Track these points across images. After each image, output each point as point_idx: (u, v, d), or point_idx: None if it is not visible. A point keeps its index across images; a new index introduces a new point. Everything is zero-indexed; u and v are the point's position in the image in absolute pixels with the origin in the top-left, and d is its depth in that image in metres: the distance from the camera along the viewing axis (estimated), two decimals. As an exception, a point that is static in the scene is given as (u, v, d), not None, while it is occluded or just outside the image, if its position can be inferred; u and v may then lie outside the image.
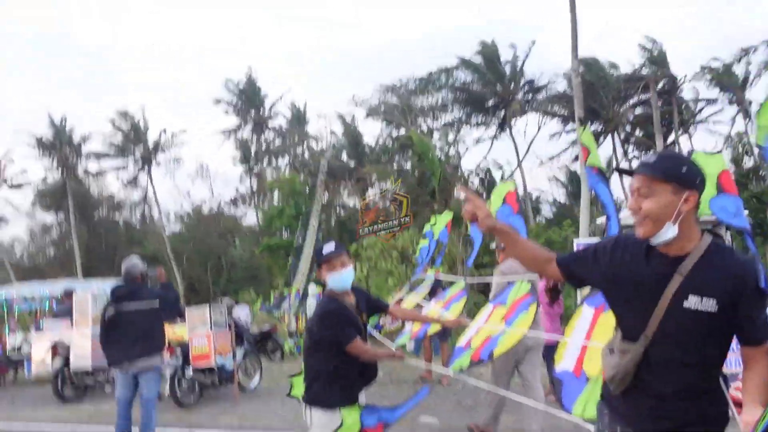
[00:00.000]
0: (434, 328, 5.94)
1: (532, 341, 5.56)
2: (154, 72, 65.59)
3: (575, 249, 8.20)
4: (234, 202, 38.11)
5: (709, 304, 2.00)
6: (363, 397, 3.86)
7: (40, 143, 37.63)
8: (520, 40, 62.06)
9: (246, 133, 39.31)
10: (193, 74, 67.66)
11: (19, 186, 40.97)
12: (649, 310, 2.08)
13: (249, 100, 38.43)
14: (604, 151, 31.25)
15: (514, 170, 31.25)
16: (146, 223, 39.71)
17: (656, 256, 2.12)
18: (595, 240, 9.33)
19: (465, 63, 29.67)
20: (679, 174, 2.04)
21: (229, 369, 9.29)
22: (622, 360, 2.15)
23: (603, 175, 4.17)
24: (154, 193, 37.57)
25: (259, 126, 38.66)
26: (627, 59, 47.70)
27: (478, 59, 29.66)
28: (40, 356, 10.79)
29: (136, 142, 37.57)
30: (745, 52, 26.02)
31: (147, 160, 37.56)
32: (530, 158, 32.94)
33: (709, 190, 3.30)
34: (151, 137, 37.70)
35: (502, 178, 31.94)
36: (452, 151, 30.92)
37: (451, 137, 31.60)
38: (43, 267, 39.42)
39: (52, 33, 73.02)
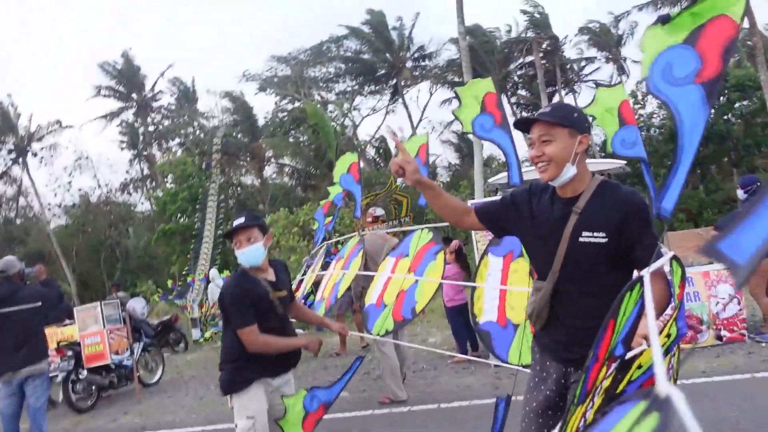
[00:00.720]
0: (343, 288, 5.76)
1: None
2: (22, 53, 60.80)
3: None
4: (124, 188, 36.14)
5: (599, 236, 2.20)
6: (289, 380, 3.66)
7: None
8: (406, 10, 62.33)
9: (130, 116, 37.26)
10: (66, 58, 63.31)
11: None
12: (554, 249, 2.29)
13: (129, 81, 36.31)
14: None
15: (410, 137, 31.44)
16: (27, 219, 37.01)
17: (557, 200, 2.35)
18: (489, 199, 9.48)
19: (353, 32, 29.33)
20: (572, 119, 2.26)
21: (128, 366, 8.80)
22: (537, 297, 2.38)
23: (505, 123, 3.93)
24: (33, 185, 35.00)
25: (144, 107, 36.70)
26: (511, 22, 49.24)
27: (366, 28, 29.43)
28: None
29: (6, 132, 34.66)
30: (618, 19, 27.33)
31: (21, 151, 34.80)
32: (425, 125, 33.00)
33: (612, 124, 3.36)
34: (26, 126, 34.90)
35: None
36: (348, 122, 30.76)
37: (345, 107, 31.37)
38: None
39: None
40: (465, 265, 8.15)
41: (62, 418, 8.08)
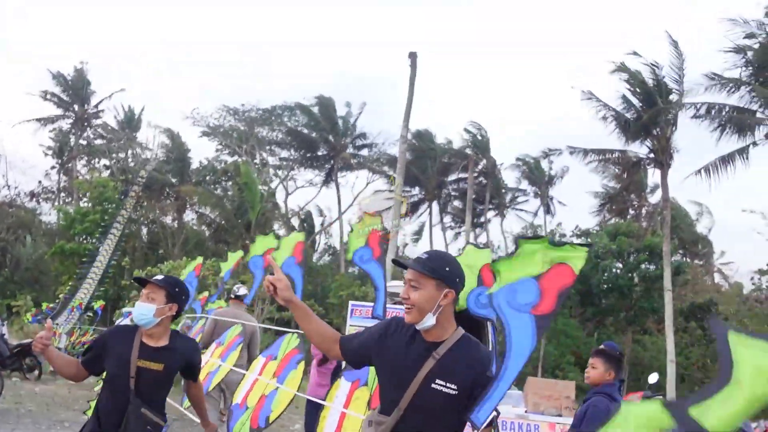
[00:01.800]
0: (216, 381, 5.62)
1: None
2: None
3: (350, 308, 8.35)
4: (33, 195, 34.62)
5: (451, 388, 2.26)
6: None
7: None
8: (363, 97, 64.34)
9: (66, 125, 36.32)
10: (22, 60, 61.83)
11: None
12: (405, 387, 2.31)
13: (75, 93, 35.64)
14: (424, 217, 33.09)
15: (335, 220, 31.82)
16: None
17: (418, 340, 2.38)
18: (366, 303, 9.59)
19: (301, 108, 30.16)
20: (443, 272, 2.31)
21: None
22: (380, 429, 2.36)
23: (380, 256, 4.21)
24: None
25: (82, 121, 35.88)
26: (455, 136, 51.68)
27: (316, 109, 30.35)
28: None
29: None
30: (548, 154, 28.98)
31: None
32: (355, 211, 33.64)
33: (471, 281, 3.48)
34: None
35: (322, 224, 32.42)
36: (280, 189, 30.94)
37: (281, 173, 31.62)
38: None
39: None
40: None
41: None
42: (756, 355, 1.63)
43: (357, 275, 29.99)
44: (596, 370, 4.51)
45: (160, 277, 3.37)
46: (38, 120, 35.24)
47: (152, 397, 3.28)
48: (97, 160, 35.90)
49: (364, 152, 32.01)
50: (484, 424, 2.20)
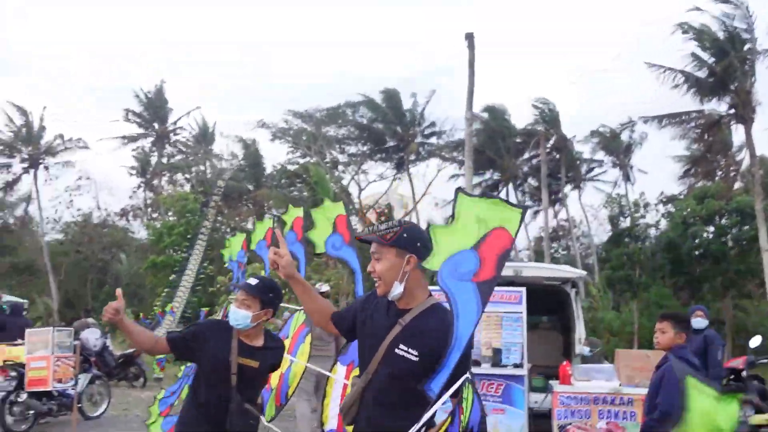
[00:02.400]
0: (293, 384, 5.80)
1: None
2: (60, 68, 62.58)
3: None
4: (124, 214, 36.46)
5: (412, 354, 2.33)
6: None
7: None
8: (425, 85, 63.92)
9: (147, 144, 38.06)
10: (102, 78, 65.01)
11: None
12: (374, 352, 2.42)
13: (155, 112, 37.25)
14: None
15: (410, 210, 31.81)
16: (24, 228, 37.25)
17: (392, 308, 2.48)
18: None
19: (367, 102, 30.18)
20: (400, 239, 2.39)
21: (70, 395, 8.79)
22: (351, 392, 2.51)
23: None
24: (38, 197, 35.46)
25: (161, 139, 37.49)
26: (524, 113, 50.62)
27: (381, 101, 30.36)
28: None
29: (26, 142, 35.44)
30: (624, 126, 28.10)
31: (35, 162, 35.45)
32: (428, 200, 33.55)
33: (327, 229, 3.96)
34: (48, 141, 35.68)
35: (403, 216, 32.46)
36: (353, 185, 31.23)
37: (352, 169, 31.89)
38: None
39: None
40: None
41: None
42: (705, 402, 1.88)
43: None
44: (666, 334, 4.42)
45: (254, 281, 3.46)
46: (122, 138, 37.01)
47: (250, 392, 3.45)
48: (178, 174, 37.45)
49: (433, 140, 31.84)
50: (448, 394, 2.21)
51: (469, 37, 19.77)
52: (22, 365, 8.43)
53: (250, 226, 31.88)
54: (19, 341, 8.70)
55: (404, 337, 2.37)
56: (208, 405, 3.36)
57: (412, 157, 30.25)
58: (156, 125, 37.36)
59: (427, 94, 30.55)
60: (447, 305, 2.28)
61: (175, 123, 37.73)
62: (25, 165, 35.57)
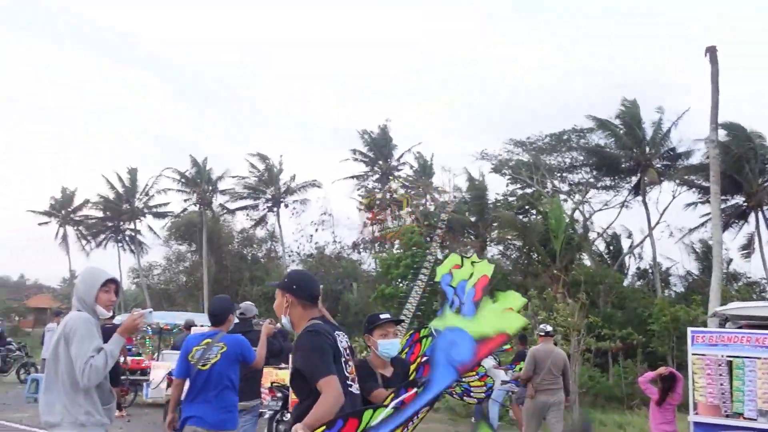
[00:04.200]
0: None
1: (555, 399, 8.22)
2: (294, 113, 69.59)
3: (690, 336, 7.55)
4: (355, 247, 38.90)
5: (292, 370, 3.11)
6: None
7: (183, 177, 40.76)
8: (659, 102, 59.59)
9: (373, 181, 40.40)
10: (330, 119, 70.97)
11: (162, 215, 44.50)
12: None
13: (379, 150, 39.51)
14: (749, 227, 28.73)
15: (644, 238, 29.57)
16: (270, 261, 41.43)
17: None
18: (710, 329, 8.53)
19: (601, 124, 28.53)
20: (282, 282, 3.24)
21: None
22: None
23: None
24: (280, 232, 39.30)
25: (386, 176, 39.58)
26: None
27: (617, 121, 28.49)
28: (156, 383, 11.40)
29: (268, 184, 39.68)
30: None
31: (277, 201, 39.47)
32: (662, 228, 30.70)
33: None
34: (284, 178, 39.74)
35: (630, 246, 30.35)
36: (577, 214, 29.88)
37: (577, 198, 30.54)
38: (174, 293, 42.11)
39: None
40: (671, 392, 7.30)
41: (263, 454, 8.79)
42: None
43: (677, 296, 27.41)
44: None
45: (387, 315, 4.09)
46: (351, 178, 39.78)
47: None
48: (402, 209, 39.15)
49: (676, 164, 29.04)
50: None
51: (711, 51, 18.07)
52: (287, 387, 9.12)
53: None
54: (284, 365, 9.44)
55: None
56: None
57: (648, 182, 27.96)
58: (380, 162, 39.56)
59: (657, 114, 28.38)
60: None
61: (398, 159, 39.65)
62: (269, 204, 39.79)
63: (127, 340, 4.21)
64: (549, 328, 8.85)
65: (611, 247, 30.62)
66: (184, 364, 5.00)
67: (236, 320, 6.43)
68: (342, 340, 3.10)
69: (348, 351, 3.11)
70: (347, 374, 3.02)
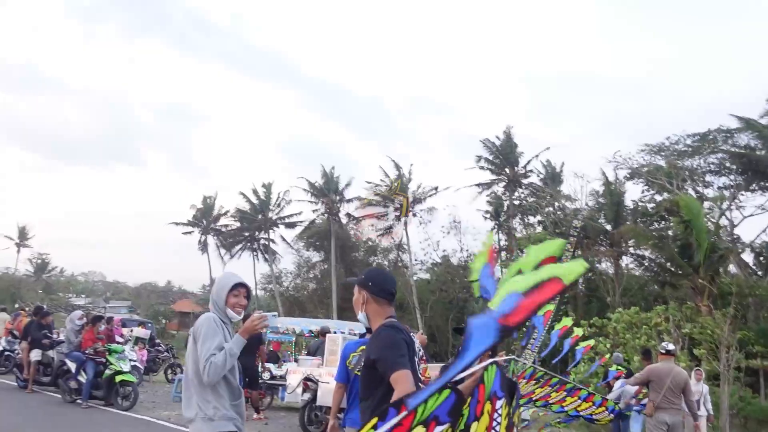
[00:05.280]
0: None
1: (674, 420, 7.92)
2: (423, 123, 70.31)
3: None
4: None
5: (366, 359, 3.09)
6: None
7: (313, 188, 42.19)
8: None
9: (499, 189, 39.73)
10: (459, 126, 70.97)
11: (293, 225, 46.35)
12: None
13: (505, 157, 38.81)
14: None
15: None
16: (396, 269, 41.83)
17: None
18: None
19: (747, 124, 26.25)
20: (359, 279, 3.34)
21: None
22: None
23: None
24: (407, 240, 39.57)
25: (513, 183, 38.76)
26: None
27: (765, 120, 26.05)
28: (292, 387, 11.72)
29: (397, 192, 40.11)
30: None
31: (406, 210, 39.81)
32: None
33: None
34: (414, 191, 39.98)
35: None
36: (724, 221, 27.62)
37: (724, 204, 28.20)
38: (304, 300, 43.59)
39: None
40: None
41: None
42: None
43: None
44: None
45: None
46: (477, 185, 39.31)
47: None
48: (529, 217, 38.17)
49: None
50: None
51: None
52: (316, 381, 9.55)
53: (605, 267, 30.62)
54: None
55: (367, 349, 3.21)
56: None
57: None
58: (507, 170, 38.79)
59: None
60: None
61: (524, 167, 38.70)
62: (398, 213, 40.22)
63: (274, 345, 4.38)
64: (671, 347, 8.47)
65: (761, 258, 28.00)
66: (344, 369, 5.18)
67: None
68: (416, 341, 3.31)
69: (420, 352, 3.38)
70: (420, 374, 3.30)
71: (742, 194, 28.50)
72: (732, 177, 28.77)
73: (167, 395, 15.36)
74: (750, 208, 28.36)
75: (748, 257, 27.97)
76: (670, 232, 26.08)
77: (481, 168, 39.13)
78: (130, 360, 13.06)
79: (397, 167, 40.48)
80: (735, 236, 27.52)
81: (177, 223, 50.65)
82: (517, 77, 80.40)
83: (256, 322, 4.05)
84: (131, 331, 19.54)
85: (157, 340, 22.79)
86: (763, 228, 28.26)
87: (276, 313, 22.41)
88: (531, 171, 38.80)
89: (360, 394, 3.16)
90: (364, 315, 3.23)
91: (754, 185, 28.10)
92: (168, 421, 11.58)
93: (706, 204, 27.45)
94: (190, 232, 50.93)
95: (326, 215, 42.27)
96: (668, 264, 24.41)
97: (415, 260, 39.27)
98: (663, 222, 28.06)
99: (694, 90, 64.50)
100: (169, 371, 20.01)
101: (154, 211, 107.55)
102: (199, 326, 3.81)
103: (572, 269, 1.97)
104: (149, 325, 25.51)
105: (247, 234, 48.59)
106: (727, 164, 28.40)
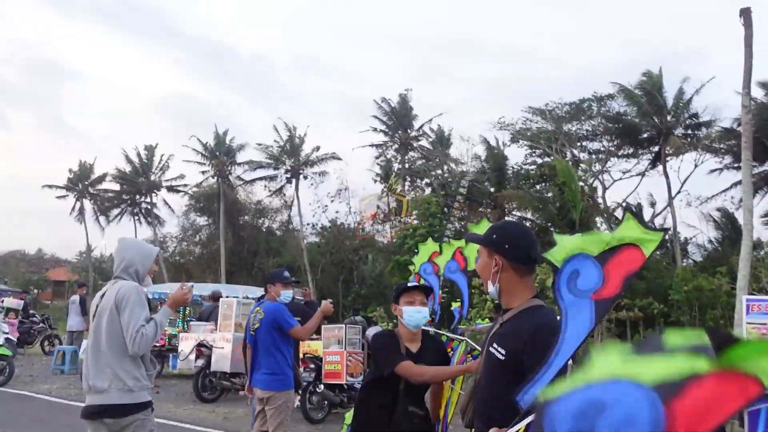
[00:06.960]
0: None
1: None
2: (314, 83, 69.30)
3: (744, 304, 7.40)
4: (371, 218, 38.69)
5: (500, 352, 2.26)
6: None
7: (205, 149, 40.76)
8: (688, 66, 58.93)
9: (391, 152, 40.04)
10: (348, 88, 70.51)
11: (177, 190, 44.60)
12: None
13: (399, 120, 39.06)
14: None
15: (665, 208, 29.21)
16: (287, 232, 41.43)
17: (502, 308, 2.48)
18: (763, 296, 8.36)
19: (624, 91, 27.95)
20: (490, 239, 2.37)
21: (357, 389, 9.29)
22: (464, 394, 2.60)
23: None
24: (298, 204, 39.20)
25: (404, 146, 39.19)
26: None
27: (638, 90, 27.86)
28: (185, 354, 11.43)
29: (289, 155, 39.47)
30: None
31: (296, 173, 39.29)
32: (682, 197, 30.14)
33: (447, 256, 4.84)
34: (307, 153, 39.49)
35: (653, 215, 29.94)
36: (596, 184, 29.52)
37: (596, 168, 30.10)
38: (191, 266, 42.32)
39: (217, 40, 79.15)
40: None
41: (294, 424, 8.78)
42: None
43: (696, 266, 27.15)
44: None
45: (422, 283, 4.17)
46: (370, 146, 39.34)
47: (417, 394, 3.61)
48: (417, 180, 38.88)
49: (699, 132, 28.48)
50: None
51: (745, 13, 17.47)
52: (320, 359, 9.12)
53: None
54: (315, 336, 9.40)
55: (499, 335, 2.35)
56: (376, 409, 3.56)
57: (669, 151, 27.45)
58: (399, 132, 39.14)
59: (679, 83, 27.77)
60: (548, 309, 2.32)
61: (418, 130, 39.20)
62: (288, 175, 39.67)
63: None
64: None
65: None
66: (246, 331, 5.82)
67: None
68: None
69: None
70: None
71: (612, 159, 30.61)
72: (604, 143, 30.71)
73: (46, 368, 14.58)
74: (616, 173, 30.55)
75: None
76: (549, 194, 27.52)
77: (374, 130, 39.25)
78: (3, 332, 12.18)
79: (290, 129, 39.78)
80: (604, 198, 29.47)
81: (50, 186, 47.17)
82: (408, 42, 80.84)
83: (187, 294, 4.08)
84: (2, 301, 18.20)
85: (32, 311, 21.46)
86: (632, 190, 30.40)
87: (193, 284, 21.70)
88: (423, 134, 39.40)
89: (493, 393, 2.29)
90: (497, 288, 2.34)
91: (624, 149, 30.16)
92: (49, 394, 11.02)
93: (582, 167, 29.20)
94: (64, 196, 47.67)
95: (216, 177, 40.99)
96: (549, 225, 25.82)
97: (306, 223, 39.07)
98: (543, 184, 29.50)
99: (573, 57, 67.61)
100: (47, 343, 18.99)
101: (23, 175, 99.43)
102: (126, 295, 3.70)
103: (651, 238, 1.91)
104: (25, 294, 23.83)
105: (127, 197, 46.24)
106: (601, 129, 30.21)
